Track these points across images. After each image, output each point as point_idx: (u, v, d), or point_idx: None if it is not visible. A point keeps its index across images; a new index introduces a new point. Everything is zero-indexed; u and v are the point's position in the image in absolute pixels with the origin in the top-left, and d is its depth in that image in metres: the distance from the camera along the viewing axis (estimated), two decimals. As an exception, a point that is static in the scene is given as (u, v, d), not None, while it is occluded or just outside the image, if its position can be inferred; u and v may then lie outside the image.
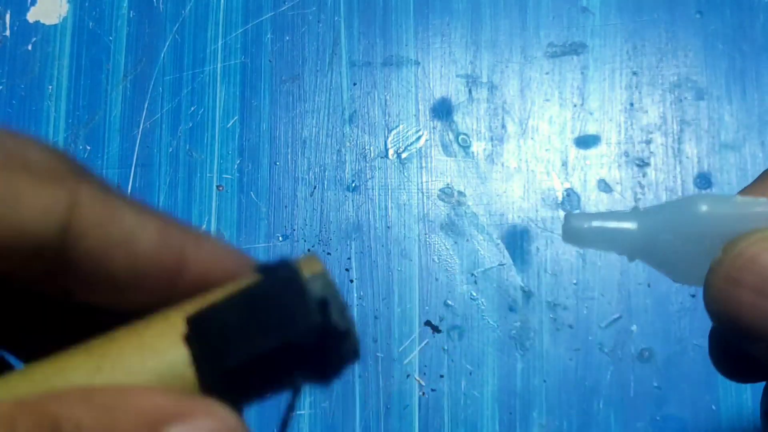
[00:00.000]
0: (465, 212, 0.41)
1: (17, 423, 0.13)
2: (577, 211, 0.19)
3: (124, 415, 0.14)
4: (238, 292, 0.16)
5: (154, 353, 0.16)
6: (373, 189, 0.41)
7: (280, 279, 0.16)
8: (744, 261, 0.17)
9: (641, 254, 0.20)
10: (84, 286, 0.16)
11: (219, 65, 0.43)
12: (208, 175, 0.42)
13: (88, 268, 0.16)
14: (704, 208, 0.18)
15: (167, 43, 0.43)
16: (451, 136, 0.42)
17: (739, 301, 0.17)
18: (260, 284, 0.16)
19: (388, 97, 0.42)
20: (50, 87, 0.43)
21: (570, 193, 0.41)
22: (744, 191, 0.20)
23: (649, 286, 0.39)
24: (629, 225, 0.20)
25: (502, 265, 0.40)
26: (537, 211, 0.41)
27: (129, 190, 0.42)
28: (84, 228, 0.15)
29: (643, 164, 0.41)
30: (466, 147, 0.42)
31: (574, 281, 0.40)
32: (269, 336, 0.16)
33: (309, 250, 0.41)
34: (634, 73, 0.42)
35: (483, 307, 0.39)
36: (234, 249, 0.18)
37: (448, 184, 0.41)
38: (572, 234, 0.20)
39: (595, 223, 0.20)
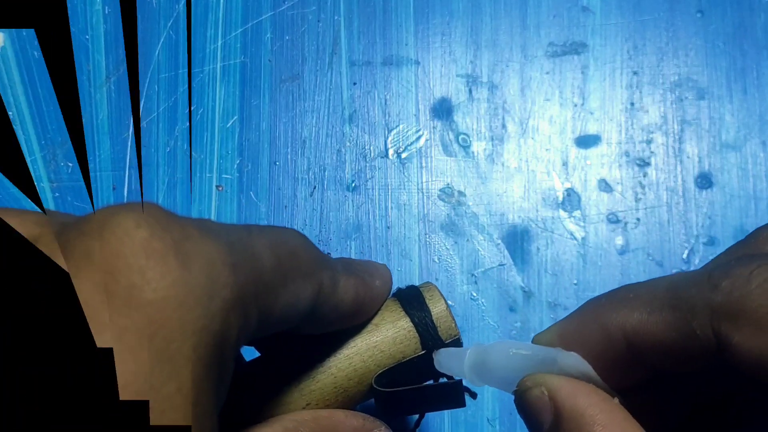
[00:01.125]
0: (465, 212, 0.41)
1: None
2: (444, 349, 0.28)
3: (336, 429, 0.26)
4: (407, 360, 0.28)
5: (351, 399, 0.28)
6: (373, 189, 0.41)
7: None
8: (517, 398, 0.25)
9: (476, 381, 0.27)
10: (315, 328, 0.26)
11: (218, 65, 0.42)
12: (207, 175, 0.41)
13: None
14: (512, 351, 0.25)
15: (161, 41, 0.43)
16: (451, 136, 0.42)
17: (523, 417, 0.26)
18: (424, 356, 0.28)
19: (388, 97, 0.42)
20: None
21: (570, 193, 0.41)
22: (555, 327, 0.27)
23: (649, 286, 0.39)
24: (465, 358, 0.26)
25: (502, 265, 0.40)
26: (537, 211, 0.41)
27: (125, 192, 0.41)
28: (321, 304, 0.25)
29: (643, 164, 0.41)
30: (466, 147, 0.41)
31: (574, 281, 0.40)
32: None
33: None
34: (635, 73, 0.42)
35: (483, 307, 0.39)
36: (372, 280, 0.28)
37: (448, 184, 0.41)
38: (438, 365, 0.28)
39: (445, 358, 0.27)
